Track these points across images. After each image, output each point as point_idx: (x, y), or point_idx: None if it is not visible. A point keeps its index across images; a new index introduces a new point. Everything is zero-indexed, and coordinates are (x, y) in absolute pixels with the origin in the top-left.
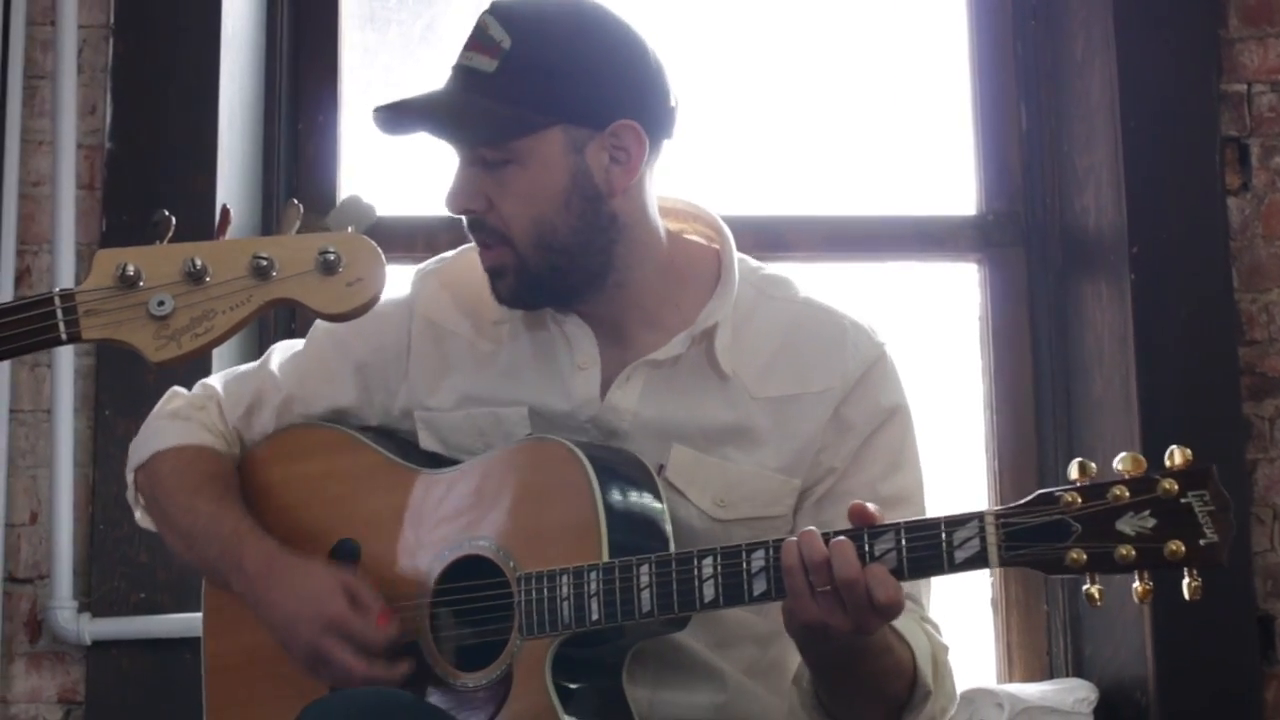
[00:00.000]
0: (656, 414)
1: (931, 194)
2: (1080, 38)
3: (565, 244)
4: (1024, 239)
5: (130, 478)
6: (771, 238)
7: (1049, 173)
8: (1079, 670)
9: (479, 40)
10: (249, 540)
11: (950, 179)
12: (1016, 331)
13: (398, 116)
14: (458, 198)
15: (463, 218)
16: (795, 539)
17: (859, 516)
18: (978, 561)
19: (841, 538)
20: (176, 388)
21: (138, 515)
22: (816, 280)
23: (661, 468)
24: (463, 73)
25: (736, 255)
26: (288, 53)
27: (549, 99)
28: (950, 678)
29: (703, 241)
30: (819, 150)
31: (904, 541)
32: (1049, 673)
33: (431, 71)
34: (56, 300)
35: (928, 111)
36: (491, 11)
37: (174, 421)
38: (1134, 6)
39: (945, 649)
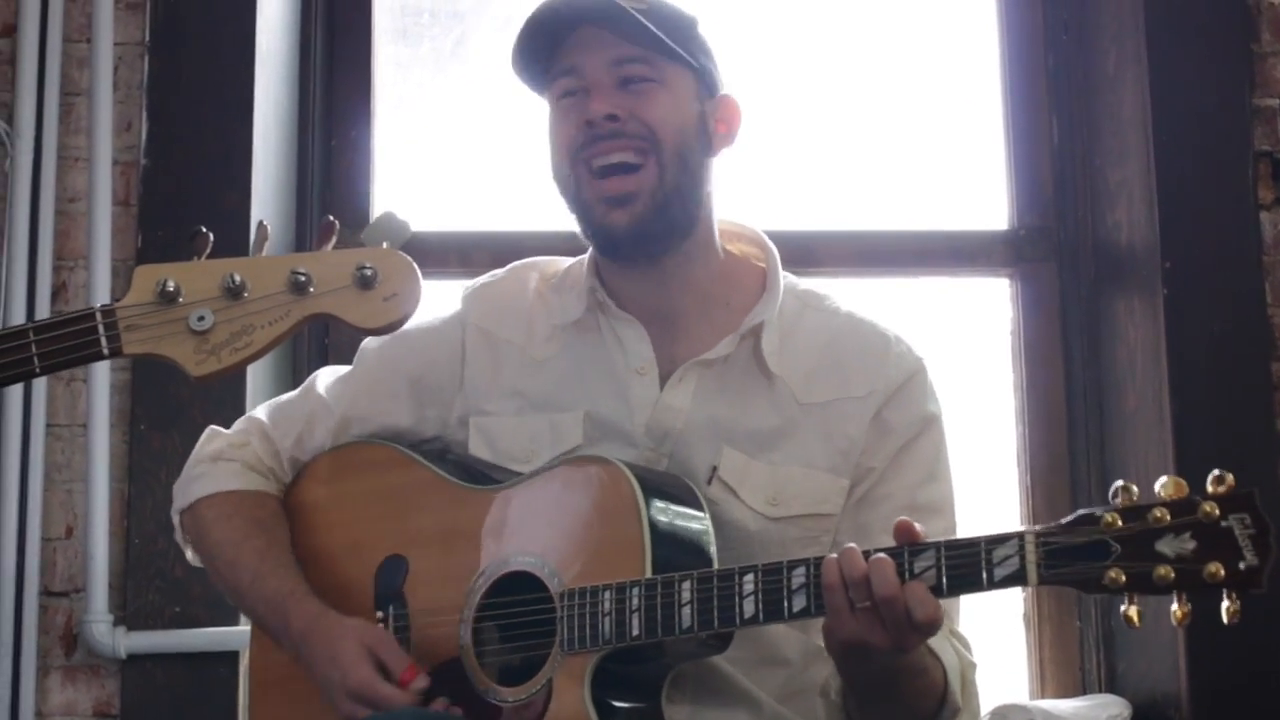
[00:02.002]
0: (708, 415)
1: (963, 209)
2: (1112, 52)
3: (691, 167)
4: (1056, 254)
5: (176, 519)
6: (803, 253)
7: (1081, 187)
8: (1112, 686)
9: None
10: (291, 604)
11: (982, 194)
12: (1048, 346)
13: (558, 17)
14: (597, 106)
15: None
16: (836, 556)
17: (904, 533)
18: (1016, 580)
19: (881, 555)
20: (214, 427)
21: (189, 555)
22: (849, 295)
23: (714, 469)
24: (612, 6)
25: (781, 270)
26: (321, 68)
27: (689, 44)
28: (976, 697)
29: (749, 260)
30: (851, 165)
31: (944, 559)
32: (1081, 689)
33: (463, 85)
34: (98, 316)
35: (959, 126)
36: None
37: (215, 465)
38: (1166, 21)
39: (973, 666)
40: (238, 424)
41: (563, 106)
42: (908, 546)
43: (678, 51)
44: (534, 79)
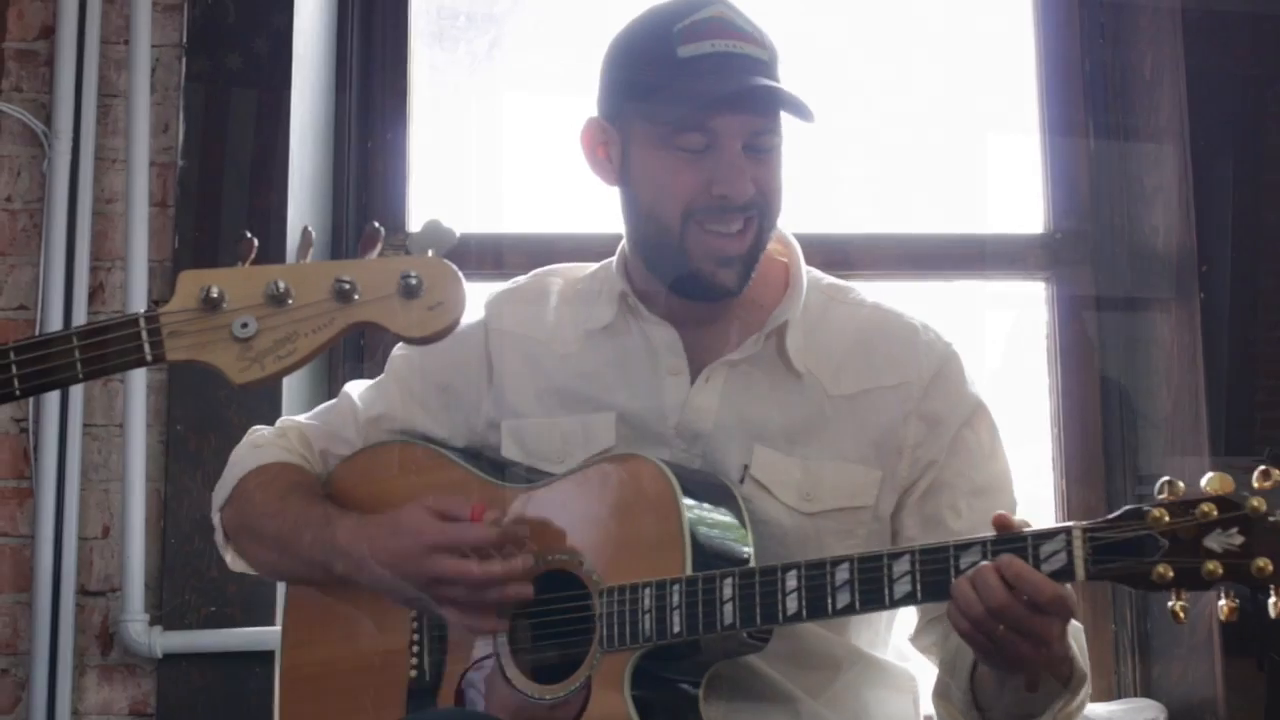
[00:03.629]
0: (736, 414)
1: (1000, 212)
2: (1149, 56)
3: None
4: (1092, 257)
5: (216, 519)
6: (839, 256)
7: (1117, 191)
8: (1147, 690)
9: (735, 30)
10: (336, 518)
11: (1018, 197)
12: (1084, 350)
13: (743, 102)
14: (745, 184)
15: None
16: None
17: (1004, 526)
18: (1064, 574)
19: (984, 565)
20: (257, 425)
21: (228, 559)
22: (885, 296)
23: (746, 468)
24: (744, 60)
25: (804, 266)
26: (357, 71)
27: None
28: (1087, 659)
29: (772, 255)
30: (887, 169)
31: (990, 554)
32: (1116, 692)
33: (499, 87)
34: (141, 322)
35: (996, 130)
36: (724, 4)
37: (254, 450)
38: (1203, 25)
39: (1079, 629)
40: (276, 423)
41: (682, 157)
42: (953, 543)
43: (810, 115)
44: (649, 112)
